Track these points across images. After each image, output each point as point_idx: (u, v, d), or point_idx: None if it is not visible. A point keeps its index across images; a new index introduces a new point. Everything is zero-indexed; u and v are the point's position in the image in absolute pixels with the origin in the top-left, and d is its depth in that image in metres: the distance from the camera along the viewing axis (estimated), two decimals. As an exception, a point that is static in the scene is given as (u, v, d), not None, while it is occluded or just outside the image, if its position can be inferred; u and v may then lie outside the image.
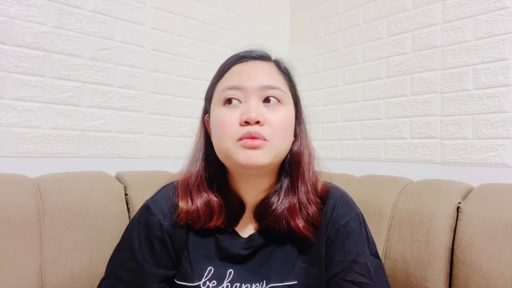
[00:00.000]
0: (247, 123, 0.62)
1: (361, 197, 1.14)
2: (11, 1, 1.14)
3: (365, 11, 1.64)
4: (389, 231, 1.05)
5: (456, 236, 0.95)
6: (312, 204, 0.68)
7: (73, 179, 1.07)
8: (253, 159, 0.61)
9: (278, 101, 0.65)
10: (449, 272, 0.94)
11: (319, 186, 0.71)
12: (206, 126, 0.73)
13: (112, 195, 1.09)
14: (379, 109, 1.56)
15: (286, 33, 2.01)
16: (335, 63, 1.75)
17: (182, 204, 0.67)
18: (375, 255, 0.69)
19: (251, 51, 0.70)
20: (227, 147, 0.63)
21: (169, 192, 0.72)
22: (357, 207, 0.73)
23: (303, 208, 0.67)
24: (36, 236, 0.92)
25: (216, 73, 0.71)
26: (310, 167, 0.71)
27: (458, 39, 1.32)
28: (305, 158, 0.70)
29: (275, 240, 0.69)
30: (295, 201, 0.67)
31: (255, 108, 0.62)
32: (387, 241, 1.05)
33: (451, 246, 0.95)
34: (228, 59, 0.71)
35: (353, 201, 0.74)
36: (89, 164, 1.29)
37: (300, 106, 0.73)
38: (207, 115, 0.72)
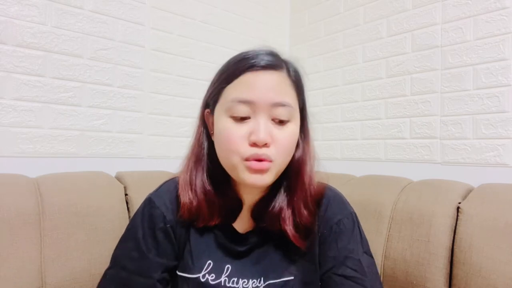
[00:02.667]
0: (255, 144, 0.61)
1: (361, 197, 1.14)
2: (11, 1, 1.14)
3: (365, 11, 1.64)
4: (389, 231, 1.05)
5: (456, 236, 0.95)
6: (306, 210, 0.69)
7: (73, 179, 1.07)
8: (258, 182, 0.63)
9: (287, 120, 0.65)
10: (449, 272, 0.94)
11: (315, 188, 0.72)
12: (206, 121, 0.72)
13: (112, 195, 1.09)
14: (379, 109, 1.56)
15: (286, 33, 2.00)
16: (335, 63, 1.75)
17: (184, 202, 0.68)
18: (368, 253, 0.70)
19: (262, 58, 0.66)
20: (233, 163, 0.63)
21: (172, 187, 0.73)
22: (351, 207, 0.74)
23: (296, 215, 0.68)
24: (36, 236, 0.92)
25: (224, 74, 0.67)
26: (311, 174, 0.71)
27: (458, 39, 1.32)
28: (307, 167, 0.70)
29: (271, 238, 0.70)
30: (290, 206, 0.68)
31: (264, 129, 0.62)
32: (387, 241, 1.05)
33: (451, 246, 0.95)
34: (237, 63, 0.66)
35: (346, 201, 0.75)
36: (89, 164, 1.29)
37: (305, 114, 0.72)
38: (207, 110, 0.71)
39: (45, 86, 1.21)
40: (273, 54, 0.68)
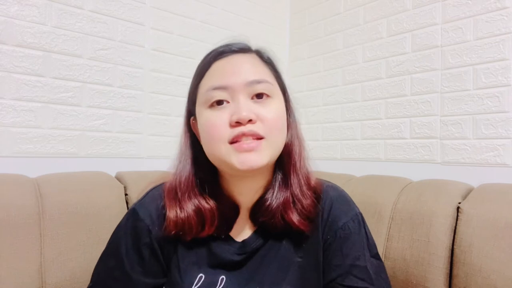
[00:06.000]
0: (238, 123, 0.58)
1: (361, 197, 1.14)
2: (11, 1, 1.14)
3: (365, 11, 1.64)
4: (389, 231, 1.05)
5: (456, 236, 0.95)
6: (306, 197, 0.65)
7: (73, 179, 1.07)
8: (250, 163, 0.57)
9: (267, 95, 0.62)
10: (449, 272, 0.94)
11: (312, 181, 0.68)
12: (193, 129, 0.69)
13: (112, 195, 1.09)
14: (379, 109, 1.56)
15: (286, 33, 2.00)
16: (335, 63, 1.75)
17: (170, 214, 0.63)
18: (376, 256, 0.66)
19: (230, 45, 0.66)
20: (220, 151, 0.59)
21: (157, 196, 0.68)
22: (356, 207, 0.69)
23: (296, 202, 0.64)
24: (36, 236, 0.92)
25: (196, 72, 0.67)
26: (301, 158, 0.67)
27: (458, 39, 1.32)
28: (296, 148, 0.67)
29: (270, 246, 0.66)
30: (289, 194, 0.64)
31: (244, 106, 0.58)
32: (387, 241, 1.05)
33: (451, 246, 0.95)
34: (207, 55, 0.66)
35: (351, 200, 0.70)
36: (89, 164, 1.29)
37: (288, 96, 0.69)
38: (192, 117, 0.68)
39: (45, 86, 1.21)
40: (242, 42, 0.68)
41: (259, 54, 0.68)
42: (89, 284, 0.68)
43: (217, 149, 0.59)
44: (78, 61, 1.27)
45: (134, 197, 1.12)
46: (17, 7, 1.15)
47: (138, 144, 1.43)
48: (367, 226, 0.68)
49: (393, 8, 1.53)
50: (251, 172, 0.60)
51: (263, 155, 0.59)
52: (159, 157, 1.48)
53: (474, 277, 0.87)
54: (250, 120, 0.58)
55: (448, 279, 0.94)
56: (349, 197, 0.71)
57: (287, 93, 0.69)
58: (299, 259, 0.65)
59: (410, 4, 1.47)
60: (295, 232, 0.64)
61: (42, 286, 0.90)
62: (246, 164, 0.57)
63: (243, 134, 0.57)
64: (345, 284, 0.62)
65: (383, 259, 1.03)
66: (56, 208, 0.96)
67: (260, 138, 0.58)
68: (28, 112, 1.17)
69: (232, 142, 0.58)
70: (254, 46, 0.69)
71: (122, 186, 1.15)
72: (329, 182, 0.73)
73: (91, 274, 0.97)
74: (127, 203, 1.12)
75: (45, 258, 0.92)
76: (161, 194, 0.68)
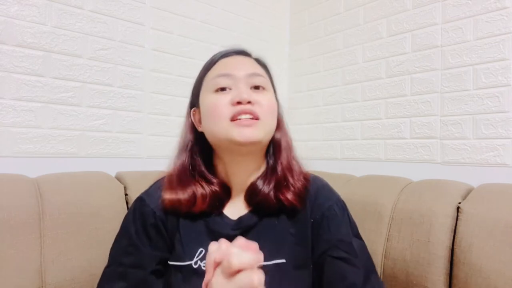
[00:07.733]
0: (239, 103, 0.68)
1: (361, 197, 1.14)
2: (11, 1, 1.14)
3: (365, 11, 1.64)
4: (389, 231, 1.05)
5: (456, 236, 0.95)
6: (297, 179, 0.74)
7: (73, 179, 1.07)
8: (248, 135, 0.67)
9: (263, 88, 0.73)
10: (449, 272, 0.94)
11: (302, 171, 0.78)
12: (192, 119, 0.78)
13: (112, 195, 1.09)
14: (379, 109, 1.56)
15: (286, 33, 2.00)
16: (335, 63, 1.75)
17: (165, 195, 0.73)
18: (358, 236, 0.75)
19: (234, 48, 0.79)
20: (222, 126, 0.68)
21: (161, 184, 0.78)
22: (338, 194, 0.79)
23: (289, 184, 0.73)
24: (36, 236, 0.92)
25: (202, 68, 0.78)
26: (289, 147, 0.78)
27: (458, 39, 1.32)
28: (284, 143, 0.78)
29: (262, 222, 0.73)
30: (280, 177, 0.73)
31: (245, 91, 0.69)
32: (387, 241, 1.05)
33: (451, 246, 0.95)
34: (213, 56, 0.78)
35: (333, 189, 0.81)
36: (89, 164, 1.29)
37: (277, 99, 0.80)
38: (193, 108, 0.78)
39: (45, 86, 1.21)
40: (244, 50, 0.81)
41: (257, 60, 0.80)
42: (106, 265, 0.75)
43: (219, 125, 0.69)
44: (78, 61, 1.27)
45: (134, 197, 1.11)
46: (17, 7, 1.15)
47: (138, 144, 1.43)
48: (349, 210, 0.78)
49: (393, 8, 1.53)
50: (248, 146, 0.69)
51: (259, 131, 0.69)
52: (159, 157, 1.48)
53: (474, 277, 0.87)
54: (249, 102, 0.68)
55: (448, 279, 0.94)
56: (331, 187, 0.82)
57: (277, 97, 0.80)
58: (292, 234, 0.73)
59: (410, 4, 1.47)
60: (288, 210, 0.73)
61: (42, 286, 0.90)
62: (244, 136, 0.67)
63: (243, 111, 0.68)
64: (333, 255, 0.70)
65: (383, 259, 1.03)
66: (56, 208, 0.96)
67: (256, 118, 0.69)
68: (28, 112, 1.17)
69: (233, 119, 0.68)
70: (253, 55, 0.81)
71: (122, 186, 1.15)
72: (313, 174, 0.82)
73: (91, 274, 0.97)
74: (127, 203, 1.12)
75: (45, 258, 0.92)
76: (163, 183, 0.78)
